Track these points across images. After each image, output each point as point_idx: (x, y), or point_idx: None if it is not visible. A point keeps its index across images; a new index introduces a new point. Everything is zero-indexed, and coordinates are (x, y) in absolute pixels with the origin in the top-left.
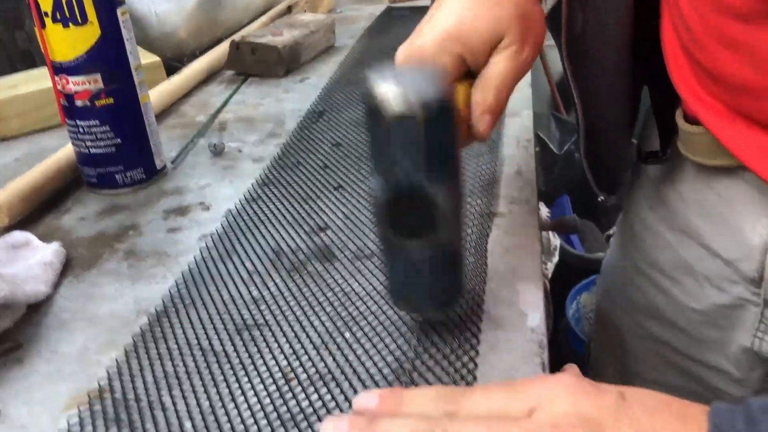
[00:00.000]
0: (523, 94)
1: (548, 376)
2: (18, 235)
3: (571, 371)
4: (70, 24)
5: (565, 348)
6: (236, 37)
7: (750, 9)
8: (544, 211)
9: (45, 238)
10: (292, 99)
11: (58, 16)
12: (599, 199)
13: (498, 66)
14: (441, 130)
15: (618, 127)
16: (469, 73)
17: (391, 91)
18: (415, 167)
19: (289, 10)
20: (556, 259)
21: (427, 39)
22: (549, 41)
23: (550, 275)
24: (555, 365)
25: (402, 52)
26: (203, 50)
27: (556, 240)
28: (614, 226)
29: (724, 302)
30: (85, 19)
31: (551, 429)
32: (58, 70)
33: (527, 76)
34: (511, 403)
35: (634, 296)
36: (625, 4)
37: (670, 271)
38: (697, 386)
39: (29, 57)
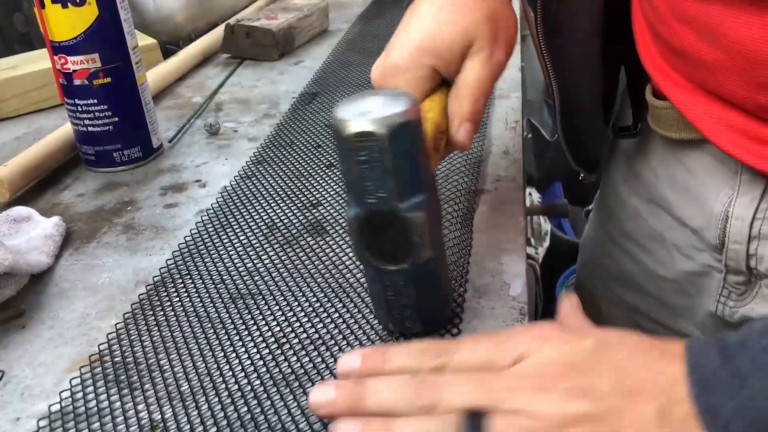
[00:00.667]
0: (512, 77)
1: (531, 325)
2: (20, 210)
3: (571, 301)
4: (69, 4)
5: None
6: (231, 20)
7: None
8: (536, 197)
9: (45, 213)
10: (286, 81)
11: None
12: (580, 177)
13: (471, 72)
14: (408, 146)
15: (592, 101)
16: (444, 82)
17: (354, 111)
18: (384, 188)
19: None
20: (546, 243)
21: (399, 54)
22: None
23: (540, 260)
24: None
25: (376, 69)
26: (199, 34)
27: (546, 225)
28: (593, 203)
29: (691, 269)
30: (83, 0)
31: (536, 377)
32: (57, 49)
33: (516, 60)
34: (497, 354)
35: (609, 266)
36: None
37: (643, 240)
38: None
39: (27, 39)
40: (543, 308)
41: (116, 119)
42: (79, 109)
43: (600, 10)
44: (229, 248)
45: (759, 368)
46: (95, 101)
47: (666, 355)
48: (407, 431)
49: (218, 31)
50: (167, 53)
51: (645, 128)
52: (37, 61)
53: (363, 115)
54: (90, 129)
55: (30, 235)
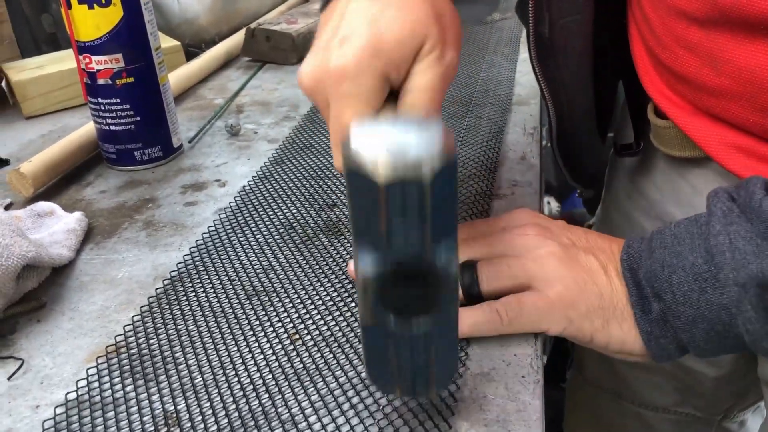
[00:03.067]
0: (531, 83)
1: (514, 209)
2: (43, 205)
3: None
4: (95, 5)
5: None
6: (252, 24)
7: (706, 15)
8: (555, 205)
9: (68, 208)
10: None
11: None
12: (577, 192)
13: (424, 76)
14: (447, 191)
15: (586, 119)
16: (392, 93)
17: (379, 147)
18: (418, 238)
19: (305, 0)
20: None
21: (343, 56)
22: None
23: None
24: (555, 352)
25: (309, 73)
26: (222, 37)
27: None
28: (594, 217)
29: None
30: (109, 1)
31: (518, 230)
32: (82, 49)
33: None
34: (488, 225)
35: None
36: (585, 2)
37: None
38: (673, 368)
39: (54, 39)
40: None
41: (138, 119)
42: (102, 108)
43: (590, 29)
44: (245, 246)
45: (663, 245)
46: (118, 100)
47: (610, 239)
48: None
49: (240, 35)
50: (189, 56)
51: (647, 145)
52: (63, 61)
53: (395, 153)
54: (112, 128)
55: (53, 229)
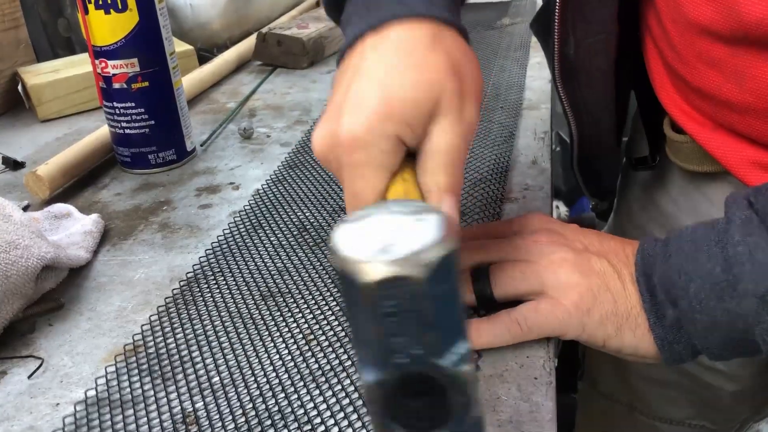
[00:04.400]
0: (542, 88)
1: (526, 214)
2: (60, 207)
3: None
4: (111, 10)
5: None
6: (264, 29)
7: (731, 33)
8: (563, 210)
9: (84, 210)
10: (318, 89)
11: (101, 3)
12: (591, 205)
13: (442, 138)
14: (449, 287)
15: (607, 136)
16: (409, 153)
17: (368, 246)
18: (420, 343)
19: (317, 4)
20: None
21: (354, 122)
22: None
23: None
24: (564, 362)
25: (321, 141)
26: (234, 42)
27: None
28: (606, 226)
29: None
30: (125, 7)
31: (531, 236)
32: (98, 54)
33: (547, 73)
34: (501, 228)
35: None
36: (610, 20)
37: None
38: (691, 383)
39: (70, 44)
40: None
41: (152, 122)
42: (117, 111)
43: (614, 47)
44: (260, 248)
45: (680, 250)
46: (133, 104)
47: (624, 242)
48: None
49: (252, 39)
50: (202, 60)
51: (663, 159)
52: (79, 64)
53: (384, 251)
54: (127, 131)
55: (70, 231)
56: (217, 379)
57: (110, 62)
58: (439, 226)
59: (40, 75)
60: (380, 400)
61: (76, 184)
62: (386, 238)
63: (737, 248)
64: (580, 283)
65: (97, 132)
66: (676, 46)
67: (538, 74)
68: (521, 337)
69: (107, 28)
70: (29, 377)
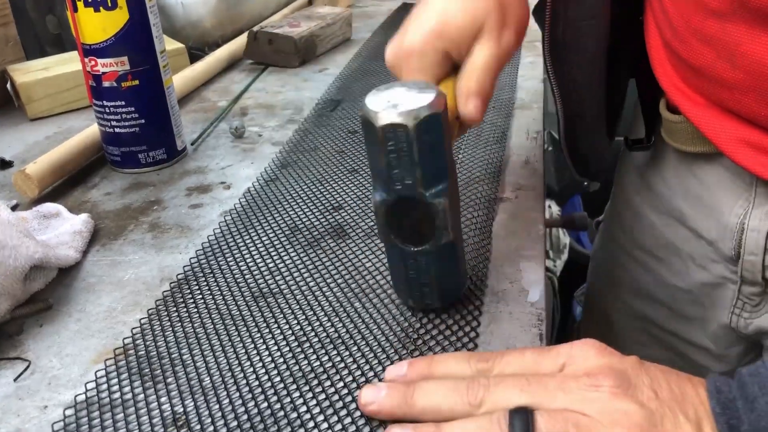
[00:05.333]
0: (534, 87)
1: (576, 341)
2: (49, 206)
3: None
4: (101, 8)
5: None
6: (255, 27)
7: (724, 7)
8: (556, 209)
9: (74, 210)
10: (310, 88)
11: (90, 1)
12: (584, 185)
13: (479, 53)
14: (433, 138)
15: (595, 119)
16: (455, 68)
17: (382, 103)
18: (410, 176)
19: (309, 2)
20: (565, 256)
21: (413, 38)
22: None
23: (558, 273)
24: None
25: (390, 51)
26: (226, 40)
27: (565, 238)
28: (603, 214)
29: (706, 280)
30: (115, 4)
31: (585, 377)
32: (87, 52)
33: (538, 72)
34: (542, 361)
35: (622, 277)
36: (601, 4)
37: (657, 251)
38: (680, 361)
39: (59, 41)
40: (560, 322)
41: (142, 121)
42: (107, 110)
43: (606, 32)
44: (251, 248)
45: (764, 390)
46: (123, 103)
47: (692, 380)
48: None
49: (243, 38)
50: (193, 58)
51: (658, 141)
52: (68, 62)
53: (393, 107)
54: (117, 130)
55: (59, 230)
56: (207, 380)
57: (100, 60)
58: (432, 97)
59: (29, 73)
60: (383, 216)
61: (66, 183)
62: (397, 100)
63: None
64: None
65: (87, 131)
66: (673, 23)
67: (530, 74)
68: None
69: (97, 25)
70: (15, 380)
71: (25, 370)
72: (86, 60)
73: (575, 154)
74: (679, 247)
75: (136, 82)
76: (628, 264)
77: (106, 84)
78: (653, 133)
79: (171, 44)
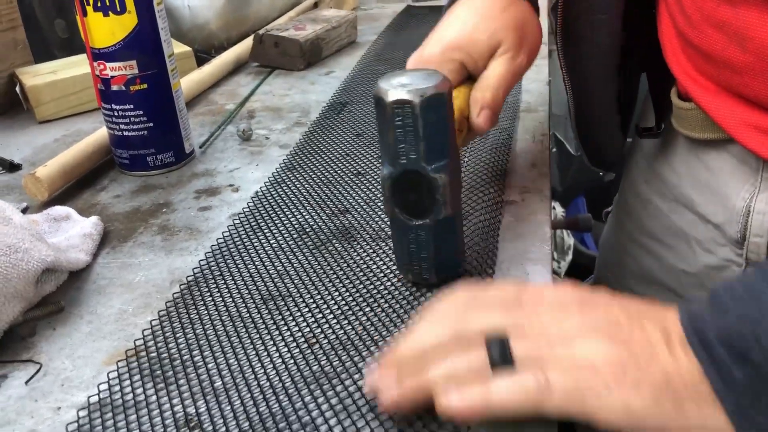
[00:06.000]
0: (540, 91)
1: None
2: (59, 209)
3: None
4: (110, 12)
5: None
6: (261, 30)
7: None
8: (560, 210)
9: (84, 213)
10: (317, 91)
11: (99, 5)
12: (600, 174)
13: (495, 69)
14: (437, 116)
15: (607, 111)
16: (470, 78)
17: (394, 83)
18: (414, 148)
19: (315, 6)
20: (569, 258)
21: (433, 49)
22: None
23: (563, 274)
24: None
25: (412, 60)
26: (232, 43)
27: (570, 239)
28: (611, 206)
29: (712, 264)
30: (123, 9)
31: (554, 305)
32: (96, 55)
33: (544, 75)
34: (522, 293)
35: (629, 264)
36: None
37: (664, 237)
38: None
39: (67, 44)
40: None
41: (151, 124)
42: (116, 114)
43: (619, 26)
44: (260, 251)
45: (734, 297)
46: (131, 107)
47: (663, 306)
48: (437, 360)
49: (250, 41)
50: (200, 61)
51: (667, 129)
52: (76, 66)
53: (402, 86)
54: (125, 133)
55: (69, 233)
56: (219, 382)
57: (109, 64)
58: (439, 80)
59: (38, 76)
60: (389, 189)
61: (75, 186)
62: (406, 81)
63: None
64: (622, 354)
65: (96, 134)
66: (686, 10)
67: (535, 77)
68: (539, 399)
69: (106, 30)
70: (26, 383)
71: (37, 372)
72: (95, 64)
73: (588, 143)
74: (686, 232)
75: (145, 85)
76: (635, 251)
77: (114, 88)
78: (663, 121)
79: (178, 47)
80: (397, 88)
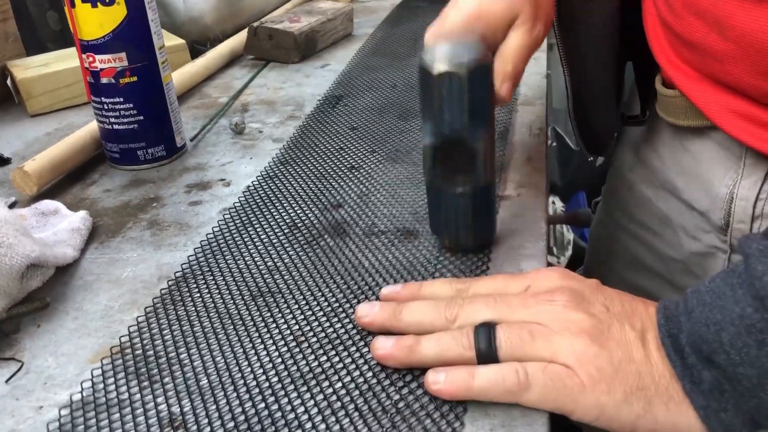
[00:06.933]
0: (537, 84)
1: (543, 268)
2: (48, 203)
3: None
4: (99, 4)
5: None
6: (255, 22)
7: None
8: (560, 205)
9: (72, 207)
10: (312, 84)
11: None
12: (589, 160)
13: (514, 41)
14: (480, 87)
15: (603, 96)
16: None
17: (440, 52)
18: (459, 117)
19: None
20: (569, 253)
21: (452, 22)
22: None
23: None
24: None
25: (431, 34)
26: (227, 35)
27: (569, 234)
28: (601, 194)
29: (698, 250)
30: (113, 0)
31: (545, 295)
32: (85, 48)
33: (542, 68)
34: (510, 283)
35: (617, 251)
36: None
37: (652, 224)
38: None
39: (59, 37)
40: None
41: (141, 118)
42: (105, 107)
43: (616, 12)
44: (250, 246)
45: (701, 302)
46: (121, 100)
47: (645, 302)
48: (431, 342)
49: (244, 33)
50: (196, 53)
51: (652, 117)
52: (68, 58)
53: (447, 58)
54: (115, 127)
55: (57, 228)
56: (205, 381)
57: (98, 57)
58: (481, 52)
59: (29, 69)
60: (430, 159)
61: (65, 180)
62: (451, 52)
63: (764, 279)
64: (599, 355)
65: (86, 127)
66: (669, 1)
67: (533, 69)
68: (517, 392)
69: (94, 21)
70: (7, 381)
71: (18, 371)
72: (84, 56)
73: (585, 130)
74: (672, 219)
75: (135, 78)
76: (624, 238)
77: (104, 80)
78: (648, 109)
79: (172, 40)
80: (445, 60)
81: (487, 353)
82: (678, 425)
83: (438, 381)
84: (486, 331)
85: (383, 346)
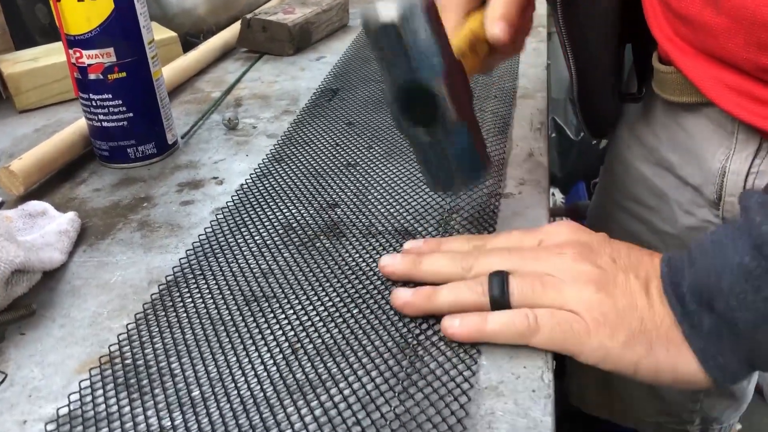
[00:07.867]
0: (537, 75)
1: (555, 222)
2: (35, 204)
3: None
4: None
5: None
6: (248, 14)
7: None
8: (559, 197)
9: (61, 207)
10: (307, 77)
11: None
12: (593, 143)
13: None
14: (417, 28)
15: (606, 77)
16: (484, 3)
17: (377, 8)
18: (406, 66)
19: None
20: None
21: None
22: None
23: None
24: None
25: None
26: (221, 27)
27: None
28: (599, 175)
29: (692, 225)
30: None
31: (555, 248)
32: (72, 43)
33: (542, 59)
34: (524, 238)
35: (615, 229)
36: None
37: (648, 200)
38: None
39: (49, 31)
40: None
41: (131, 115)
42: (94, 104)
43: None
44: (243, 248)
45: (704, 253)
46: (110, 96)
47: (652, 254)
48: (447, 290)
49: (238, 25)
50: (189, 45)
51: (649, 95)
52: (58, 53)
53: (380, 11)
54: (104, 124)
55: (45, 230)
56: (197, 392)
57: (85, 52)
58: (418, 2)
59: (18, 63)
60: (395, 111)
61: (53, 179)
62: (388, 5)
63: (761, 228)
64: (604, 302)
65: (75, 124)
66: None
67: (533, 61)
68: (527, 334)
69: (81, 15)
70: None
71: (1, 382)
72: (71, 51)
73: (590, 114)
74: (668, 194)
75: (124, 74)
76: (621, 216)
77: (91, 76)
78: (644, 88)
79: (163, 33)
80: (379, 10)
81: (500, 300)
82: (677, 366)
83: (453, 325)
84: (499, 279)
85: (403, 295)
